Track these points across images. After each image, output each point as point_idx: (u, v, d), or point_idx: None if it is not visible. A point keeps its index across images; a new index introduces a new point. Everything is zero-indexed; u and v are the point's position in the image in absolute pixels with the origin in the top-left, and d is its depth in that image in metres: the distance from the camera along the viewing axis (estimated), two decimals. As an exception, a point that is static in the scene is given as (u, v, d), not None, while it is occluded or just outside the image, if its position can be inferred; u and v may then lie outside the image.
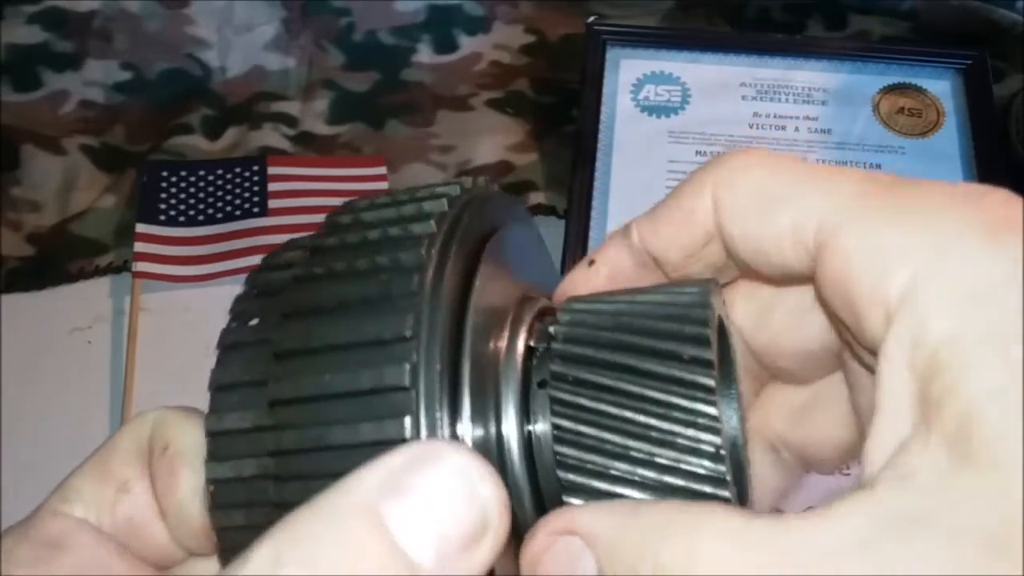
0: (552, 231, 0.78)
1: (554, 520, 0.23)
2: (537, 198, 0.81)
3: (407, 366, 0.22)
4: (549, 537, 0.22)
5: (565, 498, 0.24)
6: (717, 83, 0.81)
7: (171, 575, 0.28)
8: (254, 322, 0.26)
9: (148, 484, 0.27)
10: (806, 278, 0.25)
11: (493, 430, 0.24)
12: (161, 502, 0.27)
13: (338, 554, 0.19)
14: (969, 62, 0.81)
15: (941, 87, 0.81)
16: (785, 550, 0.19)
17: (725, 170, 0.26)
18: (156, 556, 0.27)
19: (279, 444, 0.23)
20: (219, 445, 0.25)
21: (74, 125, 0.85)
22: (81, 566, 0.25)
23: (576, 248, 0.72)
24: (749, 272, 0.27)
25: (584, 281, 0.28)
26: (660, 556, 0.20)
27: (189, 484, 0.26)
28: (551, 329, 0.26)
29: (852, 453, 0.29)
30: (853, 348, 0.25)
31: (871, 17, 0.92)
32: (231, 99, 0.88)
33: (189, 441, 0.27)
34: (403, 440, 0.21)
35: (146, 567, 0.27)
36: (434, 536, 0.19)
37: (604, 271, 0.28)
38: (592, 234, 0.73)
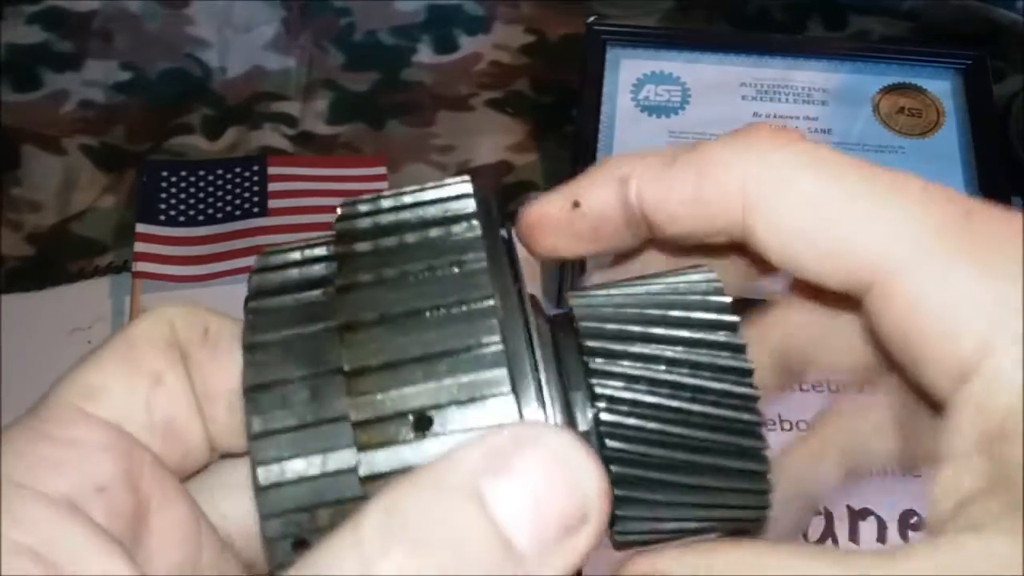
0: (552, 231, 0.78)
1: (635, 566, 0.22)
2: (537, 198, 0.80)
3: (504, 371, 0.22)
4: None
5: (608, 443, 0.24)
6: (717, 83, 0.81)
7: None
8: (292, 335, 0.23)
9: (183, 376, 0.24)
10: (842, 294, 0.24)
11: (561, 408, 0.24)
12: (207, 391, 0.24)
13: (445, 532, 0.18)
14: (969, 62, 0.81)
15: (941, 87, 0.81)
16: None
17: (763, 167, 0.24)
18: (183, 459, 0.24)
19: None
20: (277, 442, 0.22)
21: (74, 125, 0.85)
22: (117, 476, 0.22)
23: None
24: (771, 269, 0.26)
25: (564, 222, 0.27)
26: None
27: (238, 366, 0.23)
28: (577, 324, 0.25)
29: (866, 376, 0.29)
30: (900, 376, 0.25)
31: (871, 17, 0.92)
32: (231, 99, 0.88)
33: (227, 326, 0.24)
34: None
35: (175, 479, 0.24)
36: (534, 520, 0.19)
37: (590, 219, 0.26)
38: (592, 234, 0.73)
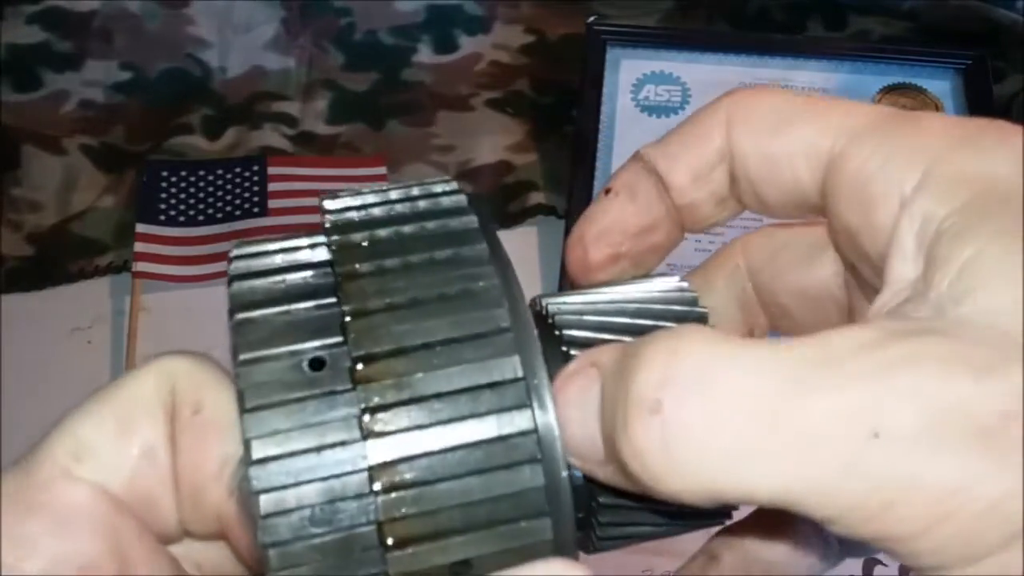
0: (552, 231, 0.78)
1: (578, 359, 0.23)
2: (537, 198, 0.81)
3: (516, 358, 0.21)
4: (572, 375, 0.22)
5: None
6: (717, 83, 0.81)
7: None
8: (291, 339, 0.22)
9: (172, 453, 0.23)
10: (810, 205, 0.25)
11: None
12: (180, 474, 0.23)
13: None
14: (969, 62, 0.81)
15: (941, 87, 0.81)
16: (778, 352, 0.20)
17: (742, 95, 0.26)
18: (156, 531, 0.24)
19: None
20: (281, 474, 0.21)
21: (74, 125, 0.85)
22: (102, 551, 0.21)
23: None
24: (753, 200, 0.27)
25: (604, 210, 0.28)
26: (641, 365, 0.20)
27: (217, 460, 0.23)
28: (553, 319, 0.25)
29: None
30: (860, 270, 0.26)
31: (871, 17, 0.92)
32: (231, 99, 0.88)
33: (223, 405, 0.23)
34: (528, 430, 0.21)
35: (159, 544, 0.24)
36: None
37: (623, 195, 0.28)
38: (592, 234, 0.73)
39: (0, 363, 0.72)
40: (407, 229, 0.23)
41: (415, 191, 0.24)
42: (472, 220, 0.23)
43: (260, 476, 0.21)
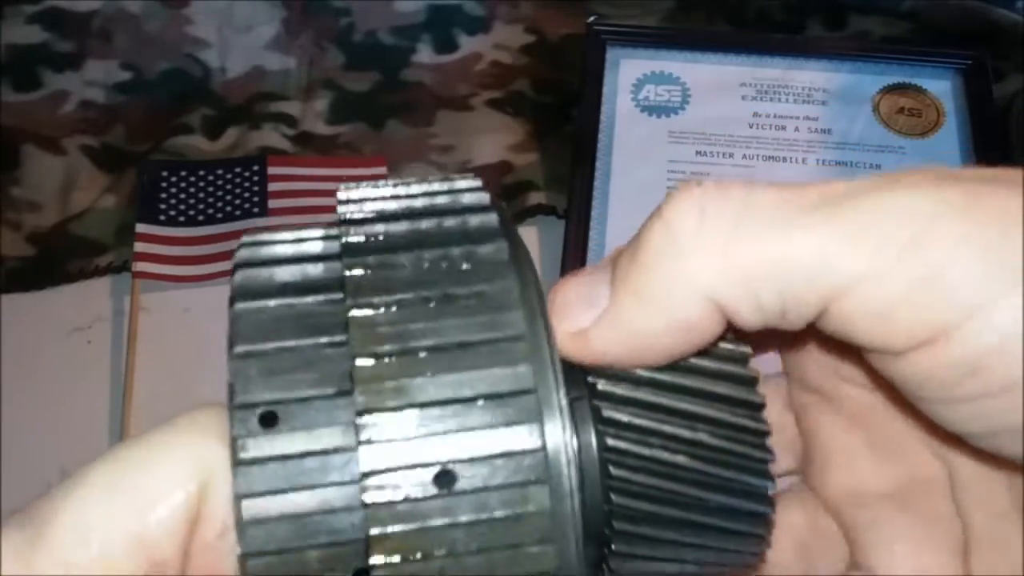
0: (552, 231, 0.78)
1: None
2: (537, 198, 0.81)
3: (528, 368, 0.20)
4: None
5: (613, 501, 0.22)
6: (717, 83, 0.81)
7: None
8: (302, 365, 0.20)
9: (181, 562, 0.21)
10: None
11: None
12: None
13: None
14: (969, 62, 0.81)
15: (941, 87, 0.81)
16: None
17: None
18: None
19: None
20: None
21: (74, 125, 0.85)
22: None
23: (576, 248, 0.72)
24: None
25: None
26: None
27: None
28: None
29: None
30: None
31: (871, 17, 0.92)
32: (231, 99, 0.88)
33: None
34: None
35: None
36: None
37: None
38: (592, 234, 0.73)
39: (0, 363, 0.72)
40: (423, 225, 0.21)
41: (435, 186, 0.22)
42: (492, 219, 0.21)
43: (245, 479, 0.19)
